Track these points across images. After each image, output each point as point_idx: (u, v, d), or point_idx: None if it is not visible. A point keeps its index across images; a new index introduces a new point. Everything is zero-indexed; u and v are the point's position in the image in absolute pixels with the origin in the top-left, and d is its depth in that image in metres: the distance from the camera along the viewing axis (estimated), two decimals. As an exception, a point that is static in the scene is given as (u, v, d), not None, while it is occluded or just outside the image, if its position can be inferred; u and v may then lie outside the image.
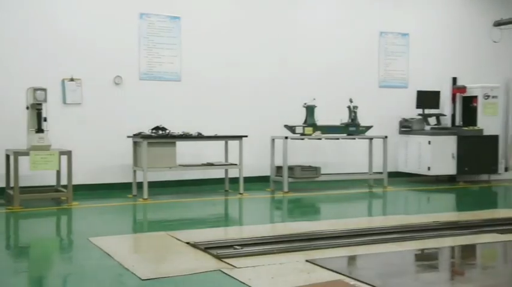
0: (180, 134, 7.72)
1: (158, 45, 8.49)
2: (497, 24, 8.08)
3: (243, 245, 4.52)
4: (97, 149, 8.08)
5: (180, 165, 7.70)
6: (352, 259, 4.39)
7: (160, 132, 7.67)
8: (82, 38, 8.00)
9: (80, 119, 7.99)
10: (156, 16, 8.48)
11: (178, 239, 4.85)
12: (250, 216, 6.93)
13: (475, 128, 9.52)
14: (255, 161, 8.75)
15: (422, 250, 4.64)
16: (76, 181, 7.26)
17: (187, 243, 4.69)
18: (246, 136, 7.99)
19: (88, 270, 4.02)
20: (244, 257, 4.20)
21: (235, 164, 7.97)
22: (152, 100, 8.46)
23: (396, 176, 9.66)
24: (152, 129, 7.70)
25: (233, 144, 8.03)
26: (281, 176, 8.25)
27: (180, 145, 7.80)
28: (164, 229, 5.37)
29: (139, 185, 7.51)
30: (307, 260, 4.11)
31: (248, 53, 9.03)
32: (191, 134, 7.81)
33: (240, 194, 7.87)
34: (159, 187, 8.08)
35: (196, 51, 8.71)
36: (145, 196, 7.33)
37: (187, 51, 8.64)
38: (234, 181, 8.01)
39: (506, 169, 10.26)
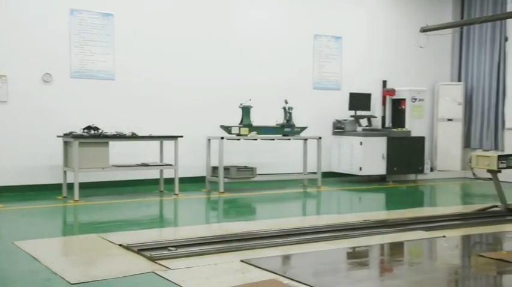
0: (114, 134, 7.53)
1: (90, 43, 8.25)
2: (424, 30, 8.45)
3: (177, 247, 4.47)
4: (24, 149, 7.75)
5: (113, 165, 7.52)
6: (286, 258, 4.44)
7: (92, 132, 7.45)
8: (9, 34, 7.65)
9: (5, 118, 7.62)
10: (88, 12, 8.23)
11: (111, 242, 4.74)
12: (185, 217, 6.87)
13: (404, 129, 9.90)
14: (190, 162, 8.69)
15: (354, 248, 4.77)
16: (1, 182, 6.91)
17: (120, 245, 4.59)
18: (182, 136, 7.92)
19: (12, 275, 3.84)
20: (179, 259, 4.16)
21: (171, 165, 7.88)
22: (84, 99, 8.21)
23: (330, 176, 9.88)
24: (84, 128, 7.47)
25: (170, 144, 7.93)
26: (217, 177, 8.23)
27: (115, 145, 7.61)
28: (96, 231, 5.22)
29: (70, 186, 7.27)
30: (242, 260, 4.12)
31: (183, 52, 8.95)
32: (125, 134, 7.64)
33: (176, 194, 7.78)
34: (91, 188, 7.86)
35: (130, 50, 8.54)
36: (76, 197, 7.10)
37: (121, 49, 8.45)
38: (170, 181, 7.91)
39: (431, 169, 10.75)
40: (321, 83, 10.26)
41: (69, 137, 7.25)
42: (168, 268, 3.91)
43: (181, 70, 8.93)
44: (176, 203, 7.46)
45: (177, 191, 7.81)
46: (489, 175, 6.56)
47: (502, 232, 5.55)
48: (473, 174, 6.80)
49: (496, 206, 6.59)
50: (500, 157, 6.39)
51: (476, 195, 8.94)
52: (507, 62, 10.60)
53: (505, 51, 10.63)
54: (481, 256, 4.44)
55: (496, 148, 10.56)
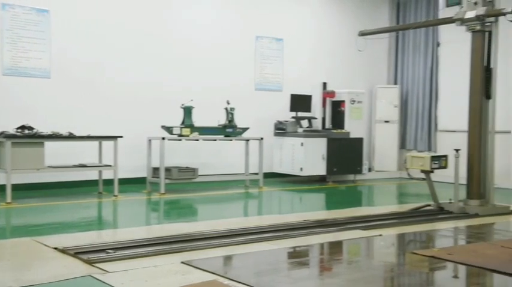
0: (49, 134, 7.27)
1: (24, 39, 7.94)
2: (362, 34, 8.69)
3: (116, 249, 4.37)
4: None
5: (49, 166, 7.26)
6: (228, 259, 4.44)
7: (26, 131, 7.16)
8: None
9: None
10: (21, 8, 7.92)
11: (45, 245, 4.57)
12: (125, 218, 6.73)
13: (343, 131, 10.13)
14: (131, 163, 8.53)
15: (295, 247, 4.83)
16: None
17: (56, 248, 4.43)
18: (121, 137, 7.75)
19: None
20: (117, 261, 4.07)
21: (110, 165, 7.70)
22: (18, 97, 7.89)
23: (271, 176, 9.96)
24: (17, 128, 7.17)
25: (110, 144, 7.74)
26: (158, 178, 8.12)
27: (51, 145, 7.35)
28: (30, 235, 5.02)
29: (2, 188, 6.95)
30: (182, 262, 4.08)
31: (123, 51, 8.78)
32: (61, 134, 7.40)
33: (115, 196, 7.61)
34: (25, 190, 7.56)
35: (67, 48, 8.28)
36: (9, 199, 6.80)
37: (57, 47, 8.18)
38: (110, 182, 7.73)
39: (369, 170, 11.05)
40: (262, 84, 10.33)
41: (1, 137, 6.94)
42: (105, 271, 3.82)
43: (121, 69, 8.75)
44: (115, 205, 7.30)
45: (116, 193, 7.64)
46: (423, 175, 6.82)
47: (434, 230, 5.79)
48: (408, 174, 7.05)
49: (429, 205, 6.86)
50: (433, 158, 6.66)
51: (411, 194, 9.27)
52: (439, 66, 11.07)
53: (438, 56, 11.09)
54: (415, 253, 4.61)
55: (430, 149, 11.00)
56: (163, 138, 8.14)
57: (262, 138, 9.19)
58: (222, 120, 8.92)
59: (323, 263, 4.51)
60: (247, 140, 9.19)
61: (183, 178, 8.35)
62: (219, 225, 5.58)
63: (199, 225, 5.75)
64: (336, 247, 5.00)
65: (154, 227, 5.97)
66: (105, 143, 7.89)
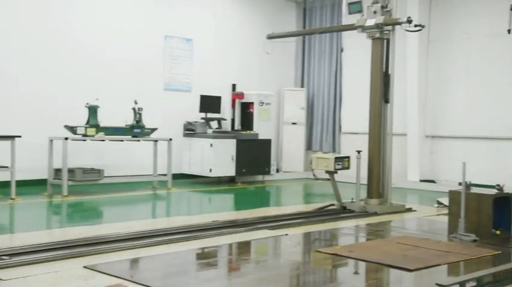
0: None
1: None
2: (270, 37, 8.88)
3: (12, 255, 4.13)
4: None
5: None
6: (134, 262, 4.34)
7: None
8: None
9: None
10: None
11: None
12: (22, 223, 6.37)
13: (252, 132, 10.27)
14: (30, 164, 8.08)
15: (203, 248, 4.83)
16: None
17: None
18: (20, 136, 7.33)
19: None
20: (14, 268, 3.85)
21: (6, 167, 7.25)
22: None
23: (180, 177, 9.87)
24: None
25: (6, 145, 7.28)
26: (60, 179, 7.77)
27: None
28: None
29: None
30: (85, 267, 3.94)
31: (23, 48, 8.32)
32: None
33: (12, 199, 7.18)
34: None
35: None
36: None
37: None
38: (7, 185, 7.28)
39: (277, 170, 11.29)
40: (171, 84, 10.22)
41: None
42: (0, 279, 3.59)
43: (21, 66, 8.28)
44: (12, 208, 6.88)
45: (13, 195, 7.21)
46: (328, 176, 7.08)
47: (337, 229, 6.02)
48: (314, 175, 7.28)
49: (333, 205, 7.13)
50: (336, 159, 6.94)
51: (317, 194, 9.59)
52: (343, 71, 11.55)
53: (341, 61, 11.57)
54: (319, 251, 4.77)
55: (334, 151, 11.45)
56: (66, 139, 7.81)
57: (171, 139, 9.09)
58: (130, 120, 8.71)
59: (231, 264, 4.55)
60: (156, 141, 9.05)
61: (87, 180, 8.06)
62: (125, 227, 5.44)
63: (104, 228, 5.58)
64: (244, 247, 5.06)
65: (55, 231, 5.72)
66: (1, 142, 7.42)
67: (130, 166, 9.36)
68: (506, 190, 5.55)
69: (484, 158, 9.17)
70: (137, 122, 8.72)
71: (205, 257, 4.74)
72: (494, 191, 5.49)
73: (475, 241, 5.10)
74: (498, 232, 5.40)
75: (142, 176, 9.14)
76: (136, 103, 8.67)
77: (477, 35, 9.50)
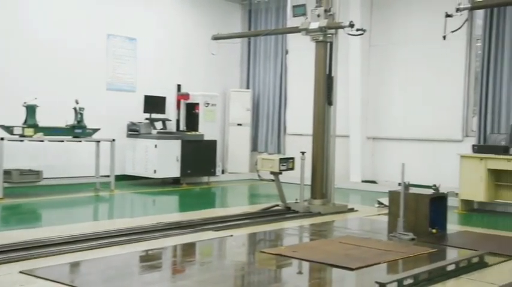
0: None
1: None
2: (215, 38, 8.88)
3: None
4: None
5: None
6: (75, 266, 4.23)
7: None
8: None
9: None
10: None
11: None
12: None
13: (197, 133, 10.22)
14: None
15: (147, 251, 4.77)
16: None
17: None
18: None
19: None
20: None
21: None
22: None
23: (124, 179, 9.69)
24: None
25: None
26: (-4, 182, 7.46)
27: None
28: None
29: None
30: (21, 272, 3.81)
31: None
32: None
33: None
34: None
35: None
36: None
37: None
38: None
39: (223, 172, 11.28)
40: (115, 84, 10.01)
41: None
42: None
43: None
44: None
45: None
46: (272, 177, 7.15)
47: (282, 229, 6.09)
48: (259, 176, 7.33)
49: (278, 205, 7.21)
50: (281, 160, 7.01)
51: (262, 195, 9.65)
52: (288, 73, 11.69)
53: (286, 63, 11.71)
54: (263, 252, 4.81)
55: (279, 152, 11.56)
56: (1, 139, 7.50)
57: (114, 140, 8.90)
58: (71, 120, 8.48)
59: (175, 266, 4.52)
60: (98, 141, 8.85)
61: (25, 181, 7.79)
62: (65, 231, 5.29)
63: (43, 231, 5.39)
64: (188, 249, 5.03)
65: (-9, 235, 5.47)
66: None
67: (72, 168, 9.10)
68: (441, 190, 5.80)
69: (421, 159, 9.51)
70: (78, 122, 8.49)
71: (149, 260, 4.68)
72: (430, 191, 5.71)
73: (413, 239, 5.29)
74: (434, 231, 5.63)
75: (83, 177, 8.91)
76: (77, 103, 8.44)
77: (416, 40, 9.85)
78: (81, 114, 8.50)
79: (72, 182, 8.73)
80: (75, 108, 8.46)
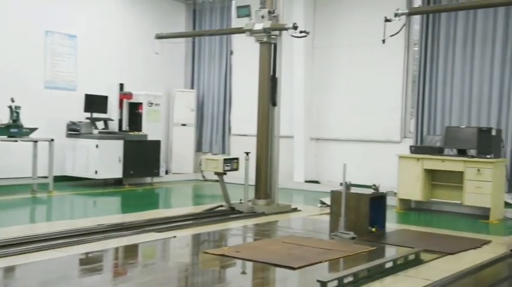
0: None
1: None
2: (159, 37, 8.77)
3: None
4: None
5: None
6: (10, 270, 4.07)
7: None
8: None
9: None
10: None
11: None
12: None
13: (140, 133, 10.06)
14: None
15: (87, 253, 4.65)
16: None
17: None
18: None
19: None
20: None
21: None
22: None
23: (63, 180, 9.41)
24: None
25: None
26: None
27: None
28: None
29: None
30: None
31: None
32: None
33: None
34: None
35: None
36: None
37: None
38: None
39: (166, 172, 11.16)
40: (54, 82, 9.70)
41: None
42: None
43: None
44: None
45: None
46: (217, 177, 7.13)
47: (226, 229, 6.10)
48: (203, 176, 7.30)
49: (222, 206, 7.20)
50: (225, 160, 7.01)
51: (206, 196, 9.61)
52: (233, 73, 11.70)
53: (231, 63, 11.72)
54: (207, 253, 4.80)
55: (224, 152, 11.55)
56: None
57: (52, 140, 8.63)
58: (6, 119, 8.14)
59: (117, 268, 4.43)
60: (36, 141, 8.54)
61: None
62: None
63: (-24, 235, 5.16)
64: (130, 251, 4.94)
65: None
66: None
67: (7, 168, 8.74)
68: (381, 190, 5.97)
69: (362, 160, 9.76)
70: (14, 121, 8.17)
71: (89, 263, 4.56)
72: (371, 191, 5.87)
73: (353, 238, 5.41)
74: (374, 229, 5.79)
75: (20, 178, 8.57)
76: (13, 101, 8.12)
77: (357, 43, 10.09)
78: (17, 113, 8.18)
79: (8, 183, 8.37)
80: (10, 107, 8.14)
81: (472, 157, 7.42)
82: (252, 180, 7.21)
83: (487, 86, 8.62)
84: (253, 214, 6.93)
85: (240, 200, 7.19)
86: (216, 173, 7.05)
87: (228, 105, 11.72)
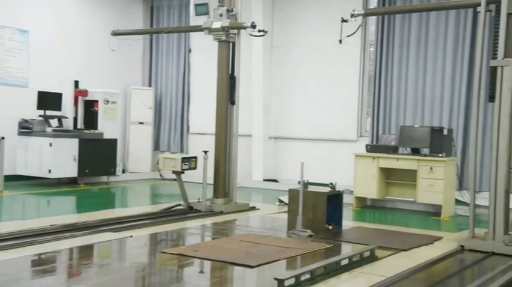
0: None
1: None
2: (115, 34, 8.61)
3: None
4: None
5: None
6: (-43, 274, 3.91)
7: None
8: None
9: None
10: None
11: None
12: None
13: (96, 131, 9.86)
14: None
15: (40, 254, 4.52)
16: None
17: None
18: None
19: None
20: None
21: None
22: None
23: (15, 179, 9.12)
24: None
25: None
26: None
27: None
28: None
29: None
30: None
31: None
32: None
33: None
34: None
35: None
36: None
37: None
38: None
39: (123, 171, 10.98)
40: (4, 78, 9.38)
41: None
42: None
43: None
44: None
45: None
46: (175, 176, 7.07)
47: (184, 228, 6.05)
48: (161, 175, 7.22)
49: (180, 205, 7.15)
50: (183, 159, 6.96)
51: (164, 195, 9.51)
52: (191, 71, 11.62)
53: (189, 61, 11.63)
54: (164, 252, 4.75)
55: (182, 151, 11.46)
56: None
57: (3, 138, 8.36)
58: (-46, 116, 7.84)
59: (71, 269, 4.33)
60: (-14, 140, 8.26)
61: None
62: None
63: None
64: (85, 251, 4.84)
65: None
66: None
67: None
68: (338, 188, 6.06)
69: (320, 159, 9.86)
70: (-37, 118, 7.87)
71: (42, 264, 4.44)
72: (328, 189, 5.95)
73: (310, 236, 5.47)
74: (331, 227, 5.87)
75: (-32, 178, 8.27)
76: (-38, 98, 7.83)
77: (315, 43, 10.19)
78: (-34, 110, 7.89)
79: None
80: (-41, 104, 7.84)
81: (425, 155, 7.62)
82: (210, 179, 7.18)
83: (439, 87, 8.88)
84: (211, 213, 6.91)
85: (198, 199, 7.15)
86: (174, 172, 6.99)
87: (186, 103, 11.62)
